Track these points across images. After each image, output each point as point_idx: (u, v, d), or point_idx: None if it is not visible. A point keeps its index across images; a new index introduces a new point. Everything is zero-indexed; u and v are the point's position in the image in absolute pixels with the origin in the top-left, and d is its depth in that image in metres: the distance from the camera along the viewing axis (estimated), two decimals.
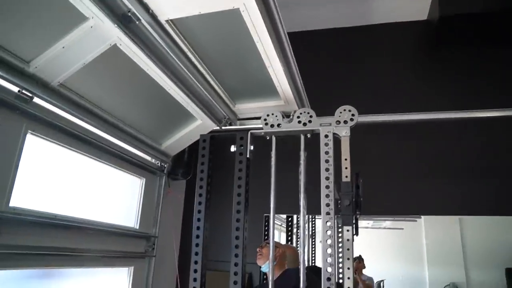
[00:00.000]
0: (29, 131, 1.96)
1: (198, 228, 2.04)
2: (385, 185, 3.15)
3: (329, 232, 1.83)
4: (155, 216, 3.03)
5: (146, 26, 1.83)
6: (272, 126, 2.04)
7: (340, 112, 1.98)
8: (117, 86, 2.27)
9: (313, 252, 3.62)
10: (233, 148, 2.07)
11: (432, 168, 3.12)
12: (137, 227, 2.86)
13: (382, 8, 3.49)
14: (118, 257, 2.64)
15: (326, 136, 1.95)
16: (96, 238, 2.41)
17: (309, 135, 2.02)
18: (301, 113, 2.03)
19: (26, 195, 1.96)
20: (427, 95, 3.27)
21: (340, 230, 2.30)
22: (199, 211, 2.07)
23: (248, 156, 2.04)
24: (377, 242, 3.55)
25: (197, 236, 2.02)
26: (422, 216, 3.37)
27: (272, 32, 1.87)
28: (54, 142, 2.13)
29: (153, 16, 1.79)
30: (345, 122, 1.96)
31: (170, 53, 2.02)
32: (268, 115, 2.06)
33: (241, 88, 2.56)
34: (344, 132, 1.95)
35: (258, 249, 2.60)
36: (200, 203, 2.08)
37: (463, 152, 3.11)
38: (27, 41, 1.78)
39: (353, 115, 1.97)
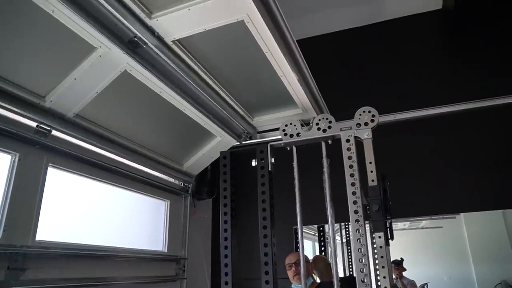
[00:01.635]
0: (50, 164, 2.00)
1: (226, 247, 2.00)
2: (417, 184, 3.01)
3: (360, 240, 1.74)
4: (183, 238, 3.01)
5: (153, 49, 1.83)
6: (291, 136, 1.99)
7: (360, 114, 1.91)
8: (132, 111, 2.29)
9: (350, 260, 3.50)
10: (254, 163, 2.03)
11: (466, 162, 2.95)
12: (166, 250, 2.85)
13: (392, 4, 3.39)
14: (149, 282, 2.62)
15: (348, 140, 1.88)
16: (125, 265, 2.40)
17: (330, 142, 1.95)
18: (319, 120, 1.97)
19: (52, 228, 1.98)
20: (451, 86, 3.11)
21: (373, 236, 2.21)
22: (225, 230, 2.03)
23: (270, 169, 1.99)
24: (417, 243, 3.42)
25: (226, 256, 1.98)
26: (461, 213, 3.21)
27: (280, 41, 1.80)
28: (75, 173, 2.16)
29: (159, 38, 1.79)
30: (366, 124, 1.88)
31: (180, 73, 2.00)
32: (286, 125, 2.01)
33: (257, 100, 2.50)
34: (366, 135, 1.87)
35: (293, 268, 2.42)
36: (225, 222, 2.04)
37: (498, 141, 2.93)
38: (41, 76, 1.82)
39: (373, 116, 1.89)
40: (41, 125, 1.89)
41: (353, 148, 1.85)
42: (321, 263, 2.67)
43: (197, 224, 3.17)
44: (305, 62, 2.03)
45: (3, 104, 1.69)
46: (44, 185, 1.94)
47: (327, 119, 1.96)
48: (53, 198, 2.02)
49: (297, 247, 3.18)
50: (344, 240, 3.58)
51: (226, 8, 1.65)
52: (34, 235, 1.84)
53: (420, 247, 3.43)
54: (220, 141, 2.82)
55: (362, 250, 1.73)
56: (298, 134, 1.98)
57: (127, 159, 2.43)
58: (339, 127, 1.92)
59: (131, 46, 1.78)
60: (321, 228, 3.47)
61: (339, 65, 3.59)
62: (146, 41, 1.76)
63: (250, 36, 1.78)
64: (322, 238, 3.45)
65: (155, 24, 1.72)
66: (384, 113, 2.09)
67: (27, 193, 1.84)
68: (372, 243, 2.41)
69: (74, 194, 2.22)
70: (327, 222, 1.84)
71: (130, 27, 1.68)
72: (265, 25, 1.67)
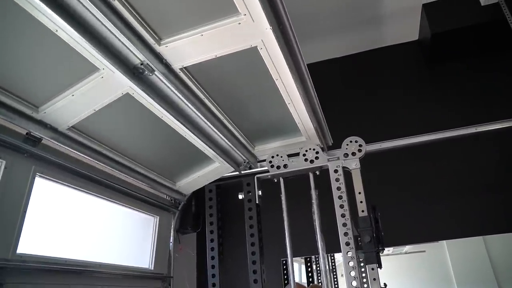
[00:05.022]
0: (38, 173, 1.86)
1: (213, 284, 1.93)
2: (401, 212, 3.00)
3: (353, 273, 1.71)
4: (170, 255, 2.89)
5: (159, 76, 1.75)
6: (278, 167, 1.97)
7: (347, 144, 1.91)
8: (130, 129, 2.17)
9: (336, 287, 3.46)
10: (241, 196, 1.99)
11: (448, 189, 2.97)
12: (152, 268, 2.71)
13: (376, 35, 3.47)
14: None
15: (336, 171, 1.87)
16: (110, 282, 2.25)
17: (317, 172, 1.94)
18: (306, 150, 1.96)
19: (35, 241, 1.83)
20: (432, 114, 3.16)
21: (362, 265, 2.18)
22: (212, 266, 1.97)
23: (257, 202, 1.95)
24: (401, 268, 3.41)
25: None
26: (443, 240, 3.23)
27: (293, 67, 1.74)
28: (63, 184, 2.04)
29: (167, 66, 1.70)
30: (353, 154, 1.88)
31: (185, 101, 1.92)
32: (273, 157, 1.99)
33: (260, 129, 2.40)
34: (354, 165, 1.87)
35: None
36: (213, 258, 1.98)
37: (476, 168, 2.97)
38: (37, 87, 1.69)
39: (360, 145, 1.89)
40: (31, 133, 1.76)
41: (342, 178, 1.84)
42: None
43: (182, 242, 3.06)
44: (314, 90, 1.99)
45: None
46: (30, 195, 1.79)
47: (314, 149, 1.95)
48: (38, 209, 1.88)
49: (285, 279, 3.11)
50: (330, 268, 3.54)
51: (241, 34, 1.57)
52: (15, 248, 1.68)
53: (405, 272, 3.42)
54: (218, 167, 2.75)
55: (355, 283, 1.69)
56: (285, 166, 1.96)
57: (119, 172, 2.34)
58: (327, 158, 1.91)
59: (136, 72, 1.69)
60: (307, 258, 3.42)
61: (325, 93, 3.60)
62: (153, 67, 1.68)
63: (261, 62, 1.73)
64: (308, 264, 3.39)
65: (164, 51, 1.65)
66: (372, 141, 2.09)
67: (11, 202, 1.70)
68: (361, 271, 2.39)
69: (61, 206, 2.08)
70: (317, 254, 1.81)
71: (137, 53, 1.60)
72: (279, 51, 1.62)
